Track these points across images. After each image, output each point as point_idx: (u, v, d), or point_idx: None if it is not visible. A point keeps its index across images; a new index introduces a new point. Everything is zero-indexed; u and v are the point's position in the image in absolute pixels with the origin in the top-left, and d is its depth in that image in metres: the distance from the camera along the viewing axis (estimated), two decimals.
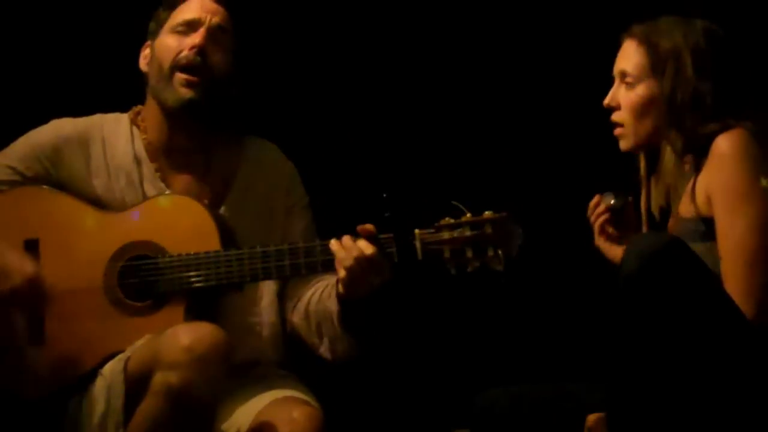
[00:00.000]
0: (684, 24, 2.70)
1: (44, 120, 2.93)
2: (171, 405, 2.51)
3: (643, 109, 2.70)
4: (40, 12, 3.60)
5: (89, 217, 2.82)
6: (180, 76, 2.82)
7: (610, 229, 2.82)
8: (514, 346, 3.63)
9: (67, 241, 2.80)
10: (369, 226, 2.65)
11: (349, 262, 2.63)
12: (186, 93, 2.82)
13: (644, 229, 2.82)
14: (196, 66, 2.82)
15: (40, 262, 2.76)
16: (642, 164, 2.81)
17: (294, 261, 2.70)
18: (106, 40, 3.52)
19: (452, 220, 2.65)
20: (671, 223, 2.75)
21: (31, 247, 2.79)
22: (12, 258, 2.71)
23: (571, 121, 3.50)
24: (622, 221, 2.82)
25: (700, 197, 2.63)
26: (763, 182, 2.56)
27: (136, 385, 2.59)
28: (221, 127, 2.93)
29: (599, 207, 2.82)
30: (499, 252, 2.62)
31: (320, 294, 2.83)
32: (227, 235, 2.78)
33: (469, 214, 2.65)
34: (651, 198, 2.79)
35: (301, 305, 2.87)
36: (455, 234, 2.64)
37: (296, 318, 2.89)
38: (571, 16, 3.54)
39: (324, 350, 2.84)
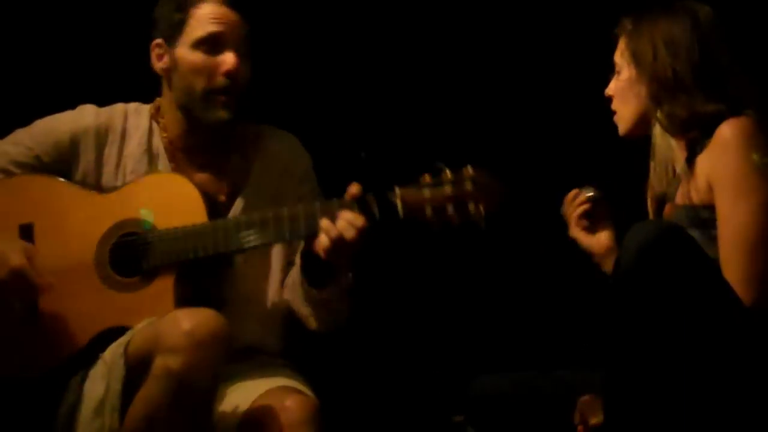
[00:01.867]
0: (665, 10, 2.74)
1: (64, 107, 2.97)
2: (171, 389, 2.52)
3: (625, 93, 2.78)
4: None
5: (82, 199, 2.85)
6: (219, 99, 2.82)
7: (584, 221, 2.86)
8: (510, 332, 3.62)
9: (61, 224, 2.84)
10: (354, 188, 2.65)
11: (334, 233, 2.64)
12: (224, 114, 2.83)
13: (651, 216, 2.83)
14: (231, 90, 2.83)
15: (35, 245, 2.81)
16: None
17: (279, 228, 2.71)
18: (120, 29, 3.59)
19: (432, 178, 2.65)
20: (668, 209, 2.76)
21: (26, 231, 2.83)
22: (1, 250, 2.75)
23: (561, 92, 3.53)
24: (594, 213, 2.86)
25: (700, 184, 2.64)
26: (755, 157, 2.56)
27: (136, 369, 2.60)
28: (239, 124, 2.94)
29: (578, 198, 2.86)
30: (480, 207, 2.62)
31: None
32: (214, 207, 2.80)
33: (448, 171, 2.64)
34: (653, 179, 2.81)
35: (290, 278, 2.89)
36: (436, 191, 2.63)
37: (287, 293, 2.89)
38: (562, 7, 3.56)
39: (312, 320, 2.84)
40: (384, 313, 3.54)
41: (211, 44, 2.83)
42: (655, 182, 2.78)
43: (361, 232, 2.63)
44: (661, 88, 2.69)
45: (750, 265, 2.52)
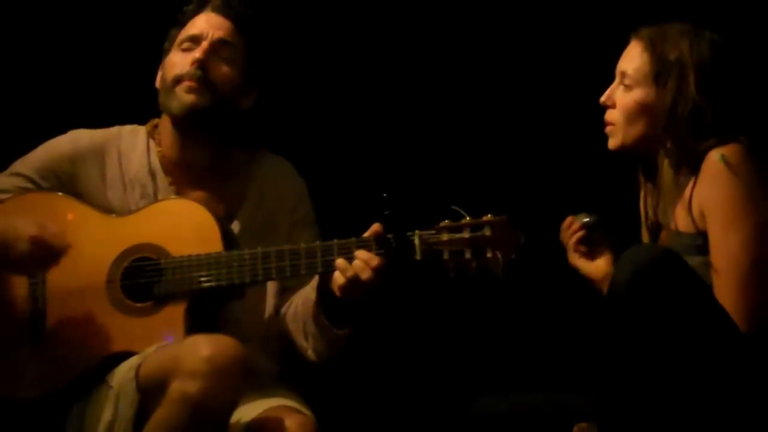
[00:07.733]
0: (692, 35, 2.69)
1: (63, 129, 2.97)
2: (188, 414, 2.51)
3: (636, 114, 2.71)
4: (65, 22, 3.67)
5: (96, 221, 2.85)
6: (184, 84, 2.87)
7: (582, 247, 2.84)
8: (509, 354, 3.62)
9: (74, 244, 2.79)
10: (376, 227, 2.67)
11: (349, 272, 2.65)
12: (188, 98, 2.86)
13: (643, 233, 2.83)
14: (197, 78, 2.86)
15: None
16: (640, 170, 2.83)
17: (294, 262, 2.71)
18: (128, 51, 3.59)
19: (452, 223, 2.67)
20: (664, 235, 2.75)
21: None
22: (20, 224, 2.71)
23: (572, 127, 3.50)
24: (592, 238, 2.83)
25: (695, 211, 2.63)
26: (723, 154, 2.56)
27: (148, 393, 2.59)
28: (234, 142, 2.96)
29: (574, 225, 2.84)
30: (498, 254, 2.63)
31: (307, 294, 2.84)
32: (229, 237, 2.80)
33: (468, 218, 2.67)
34: (648, 203, 2.81)
35: (293, 308, 2.89)
36: (455, 235, 2.66)
37: (288, 321, 2.89)
38: (580, 18, 3.56)
39: (311, 352, 2.84)
40: (383, 332, 3.53)
41: (190, 43, 2.90)
42: (659, 211, 2.76)
43: (376, 272, 2.65)
44: (680, 122, 2.64)
45: (742, 294, 2.53)
